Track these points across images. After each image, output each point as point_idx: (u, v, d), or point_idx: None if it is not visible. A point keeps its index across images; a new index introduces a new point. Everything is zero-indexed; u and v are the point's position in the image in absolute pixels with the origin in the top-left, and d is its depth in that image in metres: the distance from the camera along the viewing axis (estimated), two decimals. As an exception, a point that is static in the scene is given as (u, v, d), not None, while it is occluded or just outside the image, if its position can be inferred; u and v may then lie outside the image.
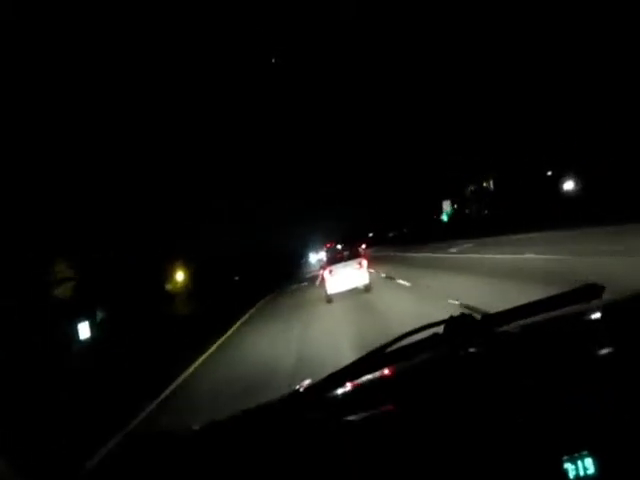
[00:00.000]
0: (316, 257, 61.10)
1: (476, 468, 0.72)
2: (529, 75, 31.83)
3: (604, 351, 0.92)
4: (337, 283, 12.95)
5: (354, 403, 1.05)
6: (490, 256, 13.36)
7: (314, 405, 1.05)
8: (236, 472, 0.89)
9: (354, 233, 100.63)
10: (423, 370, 1.14)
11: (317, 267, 35.50)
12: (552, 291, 1.15)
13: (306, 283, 26.49)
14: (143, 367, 10.53)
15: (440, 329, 1.06)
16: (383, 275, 16.59)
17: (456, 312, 1.08)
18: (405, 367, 1.13)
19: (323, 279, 13.86)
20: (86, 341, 16.90)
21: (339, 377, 1.07)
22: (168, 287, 31.72)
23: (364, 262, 13.09)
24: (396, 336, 1.11)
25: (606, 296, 1.13)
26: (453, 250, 19.72)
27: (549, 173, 35.57)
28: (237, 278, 49.52)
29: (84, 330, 16.95)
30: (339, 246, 15.66)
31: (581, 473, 0.67)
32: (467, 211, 55.47)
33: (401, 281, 12.98)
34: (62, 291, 18.34)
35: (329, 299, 13.00)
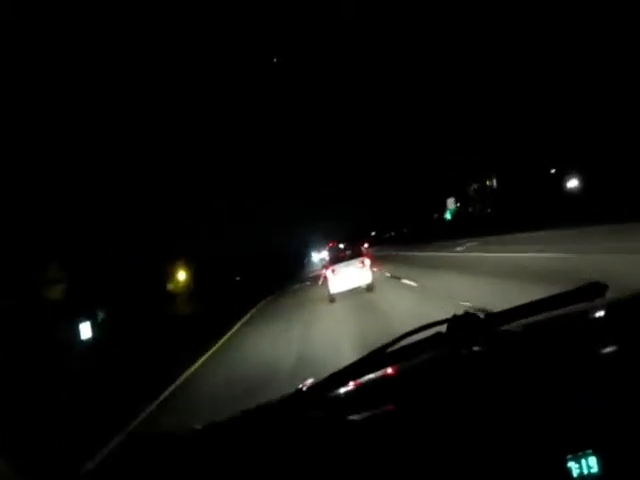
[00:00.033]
0: (319, 256, 61.29)
1: (480, 467, 0.72)
2: (530, 73, 31.85)
3: (608, 350, 0.91)
4: (340, 282, 12.95)
5: (356, 402, 1.04)
6: (498, 255, 13.08)
7: (316, 404, 1.04)
8: (238, 471, 0.88)
9: (356, 232, 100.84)
10: (426, 369, 1.14)
11: (320, 266, 35.45)
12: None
13: (308, 283, 26.39)
14: (144, 367, 10.55)
15: (443, 328, 1.06)
16: (388, 275, 16.34)
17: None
18: (408, 366, 1.13)
19: (326, 278, 13.88)
20: (87, 341, 16.92)
21: (342, 376, 1.06)
22: (170, 287, 31.76)
23: (367, 261, 13.09)
24: (399, 335, 1.10)
25: (609, 294, 1.12)
26: (459, 249, 19.51)
27: (553, 171, 35.53)
28: (238, 278, 49.58)
29: (85, 330, 16.97)
30: (341, 245, 15.65)
31: (585, 472, 0.67)
32: (470, 209, 55.43)
33: (407, 281, 12.66)
34: (53, 293, 18.21)
35: (332, 298, 13.01)
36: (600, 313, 1.18)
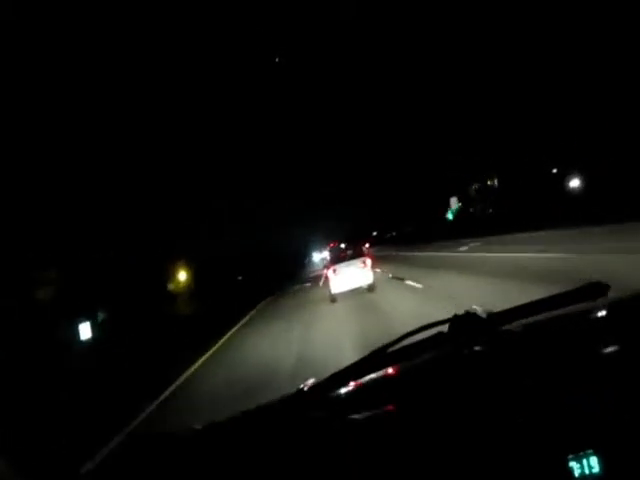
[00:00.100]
0: (320, 256, 61.39)
1: (481, 467, 0.71)
2: (531, 73, 31.84)
3: (609, 349, 0.91)
4: (341, 282, 12.95)
5: (358, 402, 1.04)
6: (505, 255, 12.72)
7: (317, 404, 1.04)
8: (239, 471, 0.88)
9: (356, 232, 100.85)
10: (427, 369, 1.14)
11: (321, 266, 35.33)
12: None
13: (309, 284, 26.10)
14: (144, 367, 10.54)
15: (444, 328, 1.05)
16: (390, 275, 16.05)
17: None
18: (409, 366, 1.13)
19: (327, 278, 13.88)
20: (87, 341, 16.93)
21: (343, 376, 1.06)
22: (170, 287, 31.78)
23: (368, 261, 13.08)
24: (400, 335, 1.10)
25: (610, 294, 1.12)
26: (463, 248, 19.27)
27: (554, 171, 35.53)
28: (240, 278, 49.63)
29: (85, 330, 16.99)
30: (342, 245, 15.65)
31: (586, 472, 0.67)
32: (471, 210, 55.42)
33: (411, 282, 12.26)
34: (43, 294, 18.04)
35: (333, 298, 13.02)
36: (601, 313, 1.18)
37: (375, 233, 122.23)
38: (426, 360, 1.11)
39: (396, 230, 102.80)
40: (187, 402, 6.71)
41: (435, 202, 65.73)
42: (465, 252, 17.67)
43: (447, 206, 60.89)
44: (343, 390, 1.08)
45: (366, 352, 1.09)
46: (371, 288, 12.89)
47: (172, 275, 31.86)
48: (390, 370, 1.13)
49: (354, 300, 12.02)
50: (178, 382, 8.29)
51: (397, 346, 1.07)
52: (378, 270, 16.95)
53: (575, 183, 31.25)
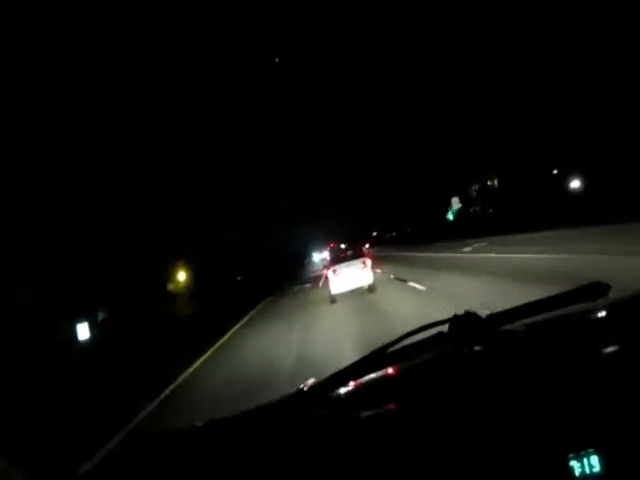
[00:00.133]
0: (320, 256, 61.36)
1: (482, 466, 0.71)
2: (531, 73, 31.86)
3: (610, 349, 0.91)
4: (341, 283, 12.93)
5: (358, 401, 1.04)
6: (511, 256, 12.34)
7: (318, 403, 1.04)
8: (239, 469, 0.88)
9: (356, 232, 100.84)
10: (427, 369, 1.14)
11: (321, 266, 35.23)
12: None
13: (309, 284, 25.99)
14: (143, 367, 10.54)
15: (444, 328, 1.05)
16: (392, 276, 15.75)
17: None
18: (409, 366, 1.13)
19: (327, 279, 13.86)
20: (85, 342, 16.91)
21: (343, 376, 1.06)
22: (170, 287, 31.78)
23: (368, 261, 13.06)
24: (400, 335, 1.10)
25: (610, 294, 1.11)
26: (467, 249, 18.93)
27: (555, 171, 35.54)
28: (239, 278, 49.65)
29: (83, 331, 16.96)
30: (342, 245, 15.64)
31: (587, 471, 0.67)
32: (471, 210, 55.43)
33: (414, 284, 11.78)
34: (22, 297, 17.70)
35: (333, 299, 13.00)
36: (602, 313, 1.18)
37: (375, 233, 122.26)
38: (426, 360, 1.10)
39: (396, 230, 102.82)
40: (187, 402, 6.71)
41: (435, 202, 65.72)
42: (469, 253, 17.45)
43: (447, 206, 60.90)
44: (343, 390, 1.08)
45: (366, 352, 1.09)
46: (371, 289, 12.88)
47: (172, 275, 31.87)
48: (390, 370, 1.13)
49: (355, 301, 12.01)
50: (178, 382, 8.30)
51: (397, 346, 1.06)
52: (379, 271, 16.95)
53: (576, 184, 31.24)
